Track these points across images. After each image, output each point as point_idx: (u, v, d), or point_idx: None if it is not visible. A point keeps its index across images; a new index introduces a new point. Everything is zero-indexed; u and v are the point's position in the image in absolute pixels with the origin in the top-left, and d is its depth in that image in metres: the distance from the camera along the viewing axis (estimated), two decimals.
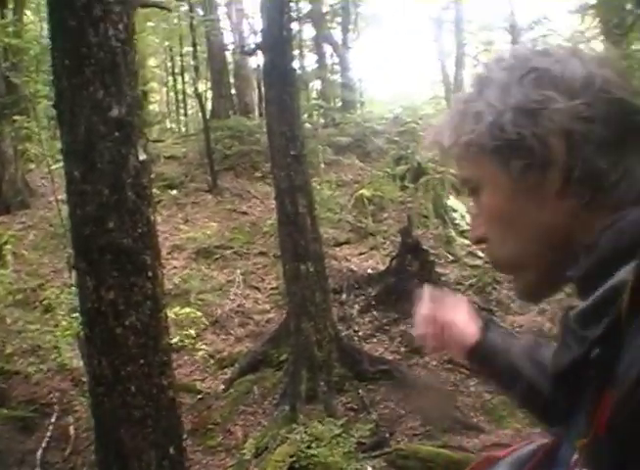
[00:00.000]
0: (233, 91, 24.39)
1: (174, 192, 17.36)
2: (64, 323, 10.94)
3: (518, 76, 1.06)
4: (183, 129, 26.94)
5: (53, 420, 9.86)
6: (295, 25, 17.78)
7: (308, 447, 8.27)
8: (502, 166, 1.06)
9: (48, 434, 9.58)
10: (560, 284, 1.13)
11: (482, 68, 1.15)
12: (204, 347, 11.77)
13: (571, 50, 1.10)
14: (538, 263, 1.10)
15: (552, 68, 1.05)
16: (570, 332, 0.99)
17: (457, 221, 14.72)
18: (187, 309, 11.77)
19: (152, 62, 29.00)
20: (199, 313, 12.07)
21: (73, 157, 4.64)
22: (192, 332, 11.66)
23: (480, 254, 13.49)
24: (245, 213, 16.85)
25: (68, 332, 10.53)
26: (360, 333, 11.74)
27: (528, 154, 1.03)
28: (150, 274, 4.74)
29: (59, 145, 4.92)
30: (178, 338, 11.07)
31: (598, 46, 16.29)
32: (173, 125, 28.50)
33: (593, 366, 0.93)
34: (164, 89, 30.37)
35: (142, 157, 4.74)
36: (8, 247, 13.89)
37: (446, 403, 9.60)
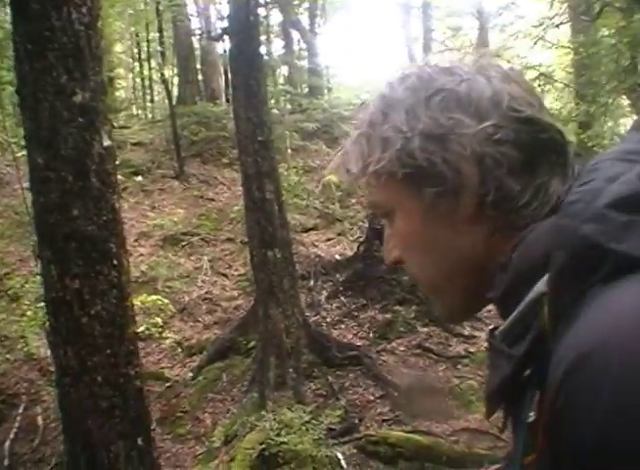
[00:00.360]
0: (200, 77, 24.22)
1: (141, 178, 17.21)
2: (29, 313, 10.84)
3: (423, 98, 1.03)
4: (149, 116, 26.71)
5: (21, 411, 9.75)
6: (262, 11, 17.64)
7: (278, 435, 8.25)
8: (413, 193, 1.04)
9: (16, 425, 9.48)
10: (480, 306, 1.13)
11: (386, 87, 1.11)
12: (171, 334, 11.71)
13: (475, 67, 1.07)
14: (456, 287, 1.09)
15: (458, 88, 1.03)
16: (496, 352, 0.98)
17: None
18: (154, 297, 11.69)
19: (118, 48, 28.71)
20: (166, 301, 12.00)
21: (36, 143, 4.55)
22: (159, 320, 11.58)
23: None
24: (212, 200, 16.78)
25: (33, 322, 10.43)
26: (328, 319, 11.74)
27: (440, 181, 1.01)
28: (115, 262, 4.67)
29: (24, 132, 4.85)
30: (145, 326, 10.99)
31: (566, 32, 16.36)
32: (140, 112, 28.24)
33: (526, 384, 0.91)
34: (131, 75, 30.07)
35: (106, 143, 4.67)
36: None
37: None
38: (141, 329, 10.09)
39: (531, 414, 0.90)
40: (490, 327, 1.02)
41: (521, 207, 0.99)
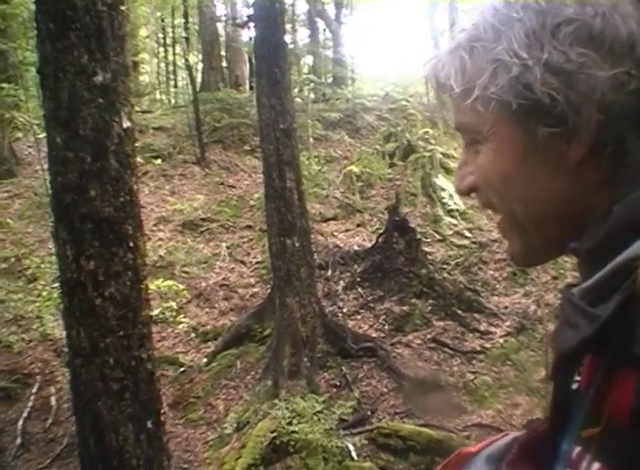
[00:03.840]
0: (224, 64, 24.23)
1: (160, 162, 17.22)
2: (44, 293, 10.89)
3: (551, 25, 0.90)
4: (173, 101, 26.77)
5: (34, 390, 9.81)
6: None
7: (289, 424, 8.25)
8: (522, 129, 0.94)
9: (29, 404, 9.54)
10: (557, 254, 1.04)
11: (499, 1, 0.97)
12: (187, 320, 11.72)
13: (611, 2, 0.92)
14: (541, 230, 1.00)
15: (592, 21, 0.90)
16: (576, 310, 0.87)
17: (445, 200, 14.66)
18: (169, 282, 11.69)
19: (143, 32, 28.75)
20: (181, 286, 12.00)
21: (56, 123, 4.54)
22: (173, 304, 11.58)
23: (468, 233, 13.49)
24: (232, 187, 16.77)
25: (49, 302, 10.47)
26: (345, 310, 11.71)
27: (558, 121, 0.90)
28: (131, 244, 4.66)
29: None
30: (159, 310, 11.01)
31: None
32: (163, 97, 28.31)
33: (603, 347, 0.83)
34: (155, 60, 30.12)
35: (126, 124, 4.65)
36: None
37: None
38: (155, 313, 10.10)
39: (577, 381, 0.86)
40: (567, 282, 0.94)
41: (631, 164, 0.90)
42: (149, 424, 4.76)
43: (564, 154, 0.92)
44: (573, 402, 0.88)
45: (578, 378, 0.87)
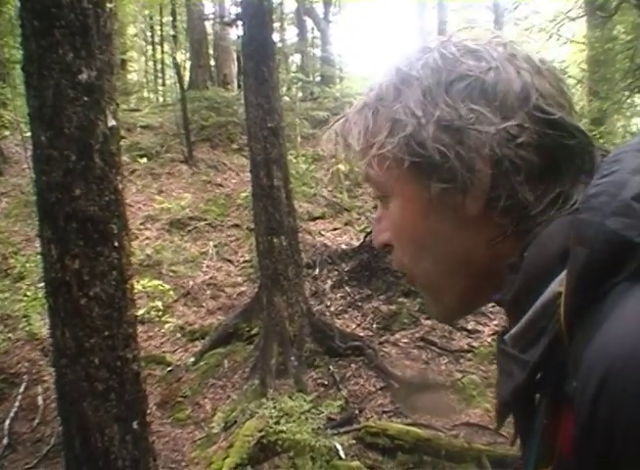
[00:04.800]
0: (212, 62, 24.22)
1: (146, 161, 17.17)
2: (29, 293, 10.86)
3: (445, 82, 0.93)
4: (160, 99, 26.73)
5: (21, 390, 9.76)
6: None
7: (277, 423, 8.24)
8: (418, 184, 0.96)
9: (16, 404, 9.49)
10: (477, 306, 1.06)
11: (402, 59, 1.01)
12: (174, 319, 11.70)
13: (506, 54, 0.97)
14: (455, 287, 1.01)
15: (484, 77, 0.93)
16: (508, 357, 0.91)
17: None
18: (155, 282, 11.67)
19: (131, 30, 28.70)
20: (167, 286, 11.97)
21: (40, 121, 4.50)
22: (159, 304, 11.56)
23: None
24: (220, 185, 16.76)
25: (35, 301, 10.43)
26: (332, 308, 11.71)
27: (450, 177, 0.92)
28: (116, 244, 4.63)
29: None
30: (144, 310, 10.98)
31: (581, 30, 16.26)
32: (151, 95, 28.26)
33: (539, 389, 0.85)
34: (143, 58, 30.07)
35: (111, 123, 4.62)
36: None
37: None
38: (142, 312, 10.08)
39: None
40: (499, 331, 0.95)
41: (533, 216, 0.91)
42: (134, 425, 4.74)
43: (460, 208, 0.94)
44: (532, 440, 0.89)
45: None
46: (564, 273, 0.80)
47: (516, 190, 0.91)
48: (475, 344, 10.62)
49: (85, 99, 4.48)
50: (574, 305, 0.77)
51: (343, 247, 13.58)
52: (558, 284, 0.82)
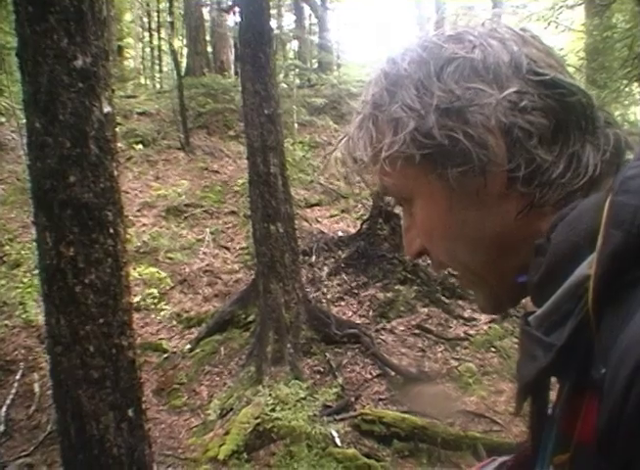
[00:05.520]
0: (209, 49, 24.14)
1: (142, 147, 17.13)
2: (25, 280, 10.84)
3: (434, 70, 0.93)
4: (157, 86, 26.64)
5: (18, 377, 9.77)
6: None
7: (273, 410, 8.25)
8: (435, 176, 0.95)
9: (13, 391, 9.50)
10: (523, 292, 1.01)
11: (386, 63, 1.00)
12: (170, 306, 11.70)
13: (486, 30, 0.97)
14: (492, 273, 1.00)
15: (471, 55, 0.93)
16: (532, 340, 0.87)
17: None
18: (152, 269, 11.66)
19: (128, 17, 28.61)
20: (163, 274, 11.96)
21: (35, 107, 4.47)
22: (154, 291, 11.55)
23: None
24: (216, 172, 16.74)
25: (31, 288, 10.41)
26: (329, 296, 11.71)
27: (464, 159, 0.91)
28: (111, 231, 4.60)
29: None
30: (140, 297, 10.98)
31: (579, 18, 16.21)
32: (148, 82, 28.15)
33: (563, 374, 0.83)
34: (140, 45, 29.98)
35: (106, 109, 4.59)
36: None
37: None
38: (136, 300, 10.07)
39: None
40: (523, 312, 0.93)
41: (555, 179, 0.91)
42: (130, 412, 4.72)
43: (482, 190, 0.93)
44: (548, 428, 0.87)
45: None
46: (592, 256, 0.78)
47: (533, 155, 0.90)
48: (471, 332, 10.63)
49: (80, 85, 4.45)
50: (605, 288, 0.75)
51: (340, 234, 13.59)
52: (586, 267, 0.79)
